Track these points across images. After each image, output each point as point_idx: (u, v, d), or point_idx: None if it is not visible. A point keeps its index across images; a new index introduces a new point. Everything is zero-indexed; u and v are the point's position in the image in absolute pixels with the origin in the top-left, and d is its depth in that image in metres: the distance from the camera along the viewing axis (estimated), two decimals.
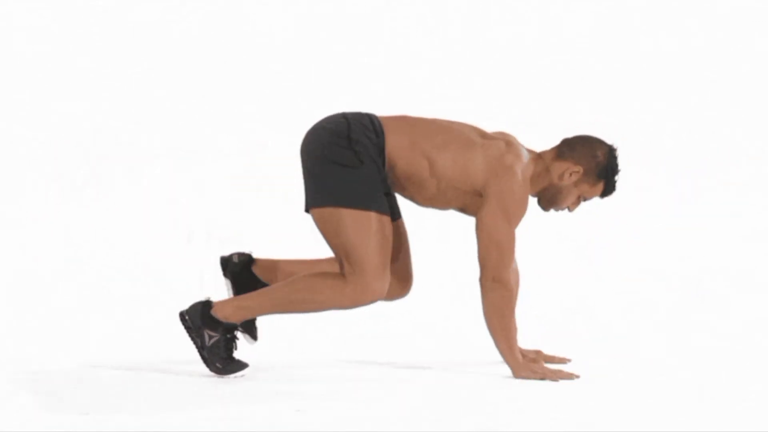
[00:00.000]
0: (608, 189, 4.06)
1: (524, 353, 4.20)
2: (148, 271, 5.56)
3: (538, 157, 4.06)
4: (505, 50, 6.57)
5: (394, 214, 4.08)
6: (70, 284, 5.43)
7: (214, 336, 3.94)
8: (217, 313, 3.94)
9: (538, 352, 4.22)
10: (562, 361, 4.19)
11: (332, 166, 3.89)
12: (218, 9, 6.50)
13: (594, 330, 4.96)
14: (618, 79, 6.58)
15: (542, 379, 3.93)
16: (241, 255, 4.19)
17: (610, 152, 4.03)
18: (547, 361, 4.20)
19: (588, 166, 4.02)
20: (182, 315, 3.97)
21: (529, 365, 3.96)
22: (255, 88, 6.40)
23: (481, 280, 3.95)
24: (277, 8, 6.55)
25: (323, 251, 4.17)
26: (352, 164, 3.88)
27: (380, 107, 4.26)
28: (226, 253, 4.23)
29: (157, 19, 6.40)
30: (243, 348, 4.11)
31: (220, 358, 3.92)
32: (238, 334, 4.03)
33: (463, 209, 4.08)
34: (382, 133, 3.94)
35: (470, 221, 4.13)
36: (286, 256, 4.27)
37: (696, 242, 6.01)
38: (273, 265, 4.20)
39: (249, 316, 3.96)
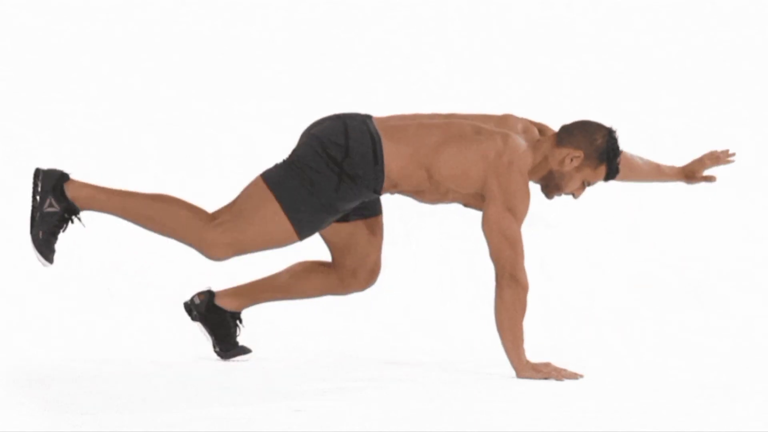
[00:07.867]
0: (611, 172, 4.06)
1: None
2: (148, 270, 5.56)
3: (537, 144, 4.06)
4: (500, 46, 6.58)
5: (375, 210, 4.12)
6: (70, 283, 5.43)
7: (54, 207, 3.89)
8: (69, 189, 3.89)
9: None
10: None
11: (311, 172, 3.88)
12: (217, 8, 6.50)
13: (593, 330, 4.96)
14: (617, 75, 6.58)
15: (546, 378, 3.93)
16: (200, 294, 4.19)
17: (609, 135, 4.04)
18: None
19: (588, 151, 4.02)
20: (38, 171, 3.90)
21: (533, 365, 3.94)
22: (254, 88, 6.40)
23: (497, 278, 3.93)
24: (277, 7, 6.55)
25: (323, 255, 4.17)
26: (327, 186, 3.89)
27: (379, 105, 4.26)
28: (187, 298, 4.22)
29: (156, 18, 6.41)
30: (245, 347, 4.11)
31: (45, 231, 3.86)
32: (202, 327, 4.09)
33: (465, 204, 4.11)
34: (381, 157, 3.93)
35: (470, 218, 4.13)
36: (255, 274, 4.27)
37: (696, 242, 6.01)
38: (234, 292, 4.19)
39: (96, 209, 3.89)
